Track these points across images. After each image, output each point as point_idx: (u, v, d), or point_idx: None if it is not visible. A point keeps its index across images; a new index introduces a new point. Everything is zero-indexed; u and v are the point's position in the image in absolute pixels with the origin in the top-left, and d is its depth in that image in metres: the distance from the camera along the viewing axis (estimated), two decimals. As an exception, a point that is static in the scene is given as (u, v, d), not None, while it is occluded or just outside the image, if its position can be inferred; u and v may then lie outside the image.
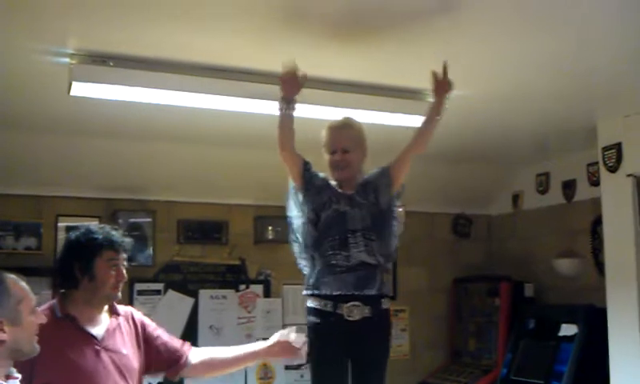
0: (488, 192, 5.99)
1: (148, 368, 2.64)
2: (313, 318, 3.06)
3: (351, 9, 2.72)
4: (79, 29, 2.88)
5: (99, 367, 2.42)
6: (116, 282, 2.52)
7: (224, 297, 5.21)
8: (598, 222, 4.73)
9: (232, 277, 5.25)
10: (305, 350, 2.87)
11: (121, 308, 2.63)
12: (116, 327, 2.55)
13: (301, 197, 3.10)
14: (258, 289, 5.32)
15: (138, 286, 4.93)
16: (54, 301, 2.50)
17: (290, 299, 5.37)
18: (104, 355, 2.45)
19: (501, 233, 6.06)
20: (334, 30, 2.90)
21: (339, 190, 3.09)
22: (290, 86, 2.96)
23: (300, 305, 5.34)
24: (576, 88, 3.71)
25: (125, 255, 2.56)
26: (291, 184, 3.13)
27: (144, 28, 2.86)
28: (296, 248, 3.17)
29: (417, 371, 5.68)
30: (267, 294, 5.34)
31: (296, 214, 3.15)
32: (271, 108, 3.21)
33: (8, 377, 2.10)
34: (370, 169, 3.17)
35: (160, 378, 2.90)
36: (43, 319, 2.21)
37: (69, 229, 4.30)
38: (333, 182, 3.12)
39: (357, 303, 2.98)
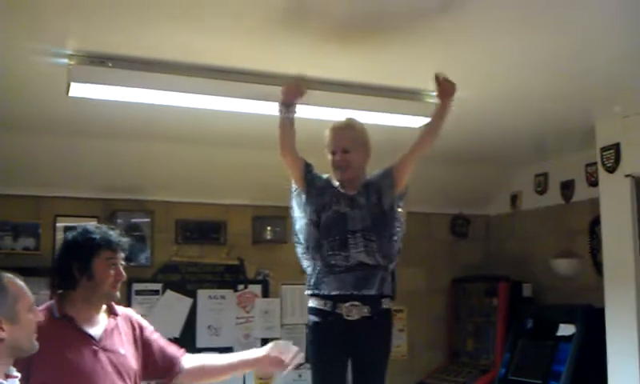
0: (486, 192, 6.00)
1: (144, 372, 2.64)
2: (313, 318, 3.08)
3: (351, 10, 2.73)
4: (78, 30, 2.88)
5: (97, 367, 2.41)
6: (115, 281, 2.51)
7: (222, 297, 5.21)
8: (596, 223, 4.74)
9: (230, 277, 5.26)
10: (294, 361, 2.85)
11: (119, 309, 2.63)
12: (114, 327, 2.55)
13: (302, 198, 3.12)
14: (257, 289, 5.32)
15: (136, 286, 4.92)
16: (52, 301, 2.49)
17: (289, 299, 5.38)
18: (102, 355, 2.44)
19: (499, 233, 6.07)
20: (334, 31, 2.91)
21: (341, 191, 3.11)
22: (291, 93, 3.00)
23: (298, 305, 5.37)
24: (574, 89, 3.72)
25: (122, 254, 2.56)
26: (293, 186, 3.15)
27: (143, 29, 2.86)
28: (299, 249, 3.19)
29: (415, 371, 5.69)
30: (265, 294, 5.34)
31: (298, 215, 3.17)
32: (270, 109, 3.22)
33: (7, 376, 2.10)
34: (373, 170, 3.18)
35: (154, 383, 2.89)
36: (41, 317, 2.22)
37: (67, 229, 4.30)
38: (336, 183, 3.13)
39: (356, 303, 2.99)
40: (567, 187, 5.30)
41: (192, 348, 4.96)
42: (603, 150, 4.30)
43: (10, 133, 4.26)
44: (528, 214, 5.72)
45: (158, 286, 5.03)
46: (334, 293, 3.02)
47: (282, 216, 5.30)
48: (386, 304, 3.08)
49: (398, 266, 3.22)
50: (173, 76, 3.24)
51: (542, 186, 5.55)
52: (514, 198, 5.86)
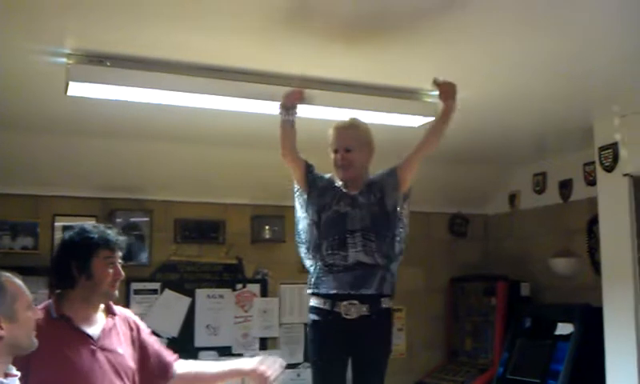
0: (485, 192, 6.00)
1: (139, 374, 2.64)
2: (313, 316, 3.10)
3: (354, 10, 2.73)
4: (76, 29, 2.88)
5: (95, 367, 2.41)
6: (113, 280, 2.52)
7: (221, 296, 5.21)
8: (594, 222, 4.74)
9: (229, 276, 5.26)
10: (277, 374, 2.83)
11: (117, 309, 2.63)
12: (112, 327, 2.55)
13: (304, 199, 3.14)
14: (255, 288, 5.32)
15: (135, 286, 4.92)
16: (49, 301, 2.49)
17: (287, 298, 5.38)
18: (100, 355, 2.44)
19: (497, 232, 6.07)
20: (336, 30, 2.91)
21: (343, 191, 3.12)
22: (291, 97, 3.05)
23: (297, 304, 5.37)
24: (573, 89, 3.73)
25: (120, 253, 2.57)
26: (295, 186, 3.17)
27: (141, 28, 2.86)
28: (301, 249, 3.20)
29: (413, 371, 5.69)
30: (264, 293, 5.34)
31: (300, 216, 3.18)
32: (269, 108, 3.23)
33: (7, 375, 2.11)
34: (376, 170, 3.19)
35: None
36: (40, 315, 2.23)
37: (65, 228, 4.30)
38: (338, 183, 3.14)
39: (354, 302, 3.00)
40: (565, 186, 5.30)
41: (191, 347, 4.98)
42: (601, 149, 4.31)
43: (9, 132, 4.25)
44: (526, 214, 5.72)
45: (156, 285, 5.03)
46: (332, 292, 3.03)
47: (280, 215, 5.31)
48: (385, 303, 3.09)
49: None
50: (171, 75, 3.24)
51: (540, 185, 5.56)
52: (513, 198, 5.86)
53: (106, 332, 2.51)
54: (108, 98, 3.38)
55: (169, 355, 2.74)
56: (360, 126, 3.19)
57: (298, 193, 3.19)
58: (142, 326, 2.72)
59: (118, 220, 4.87)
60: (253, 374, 2.75)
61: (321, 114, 3.56)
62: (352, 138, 3.13)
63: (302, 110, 3.15)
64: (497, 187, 5.95)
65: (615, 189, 4.21)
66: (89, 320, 2.49)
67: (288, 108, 3.06)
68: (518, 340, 5.11)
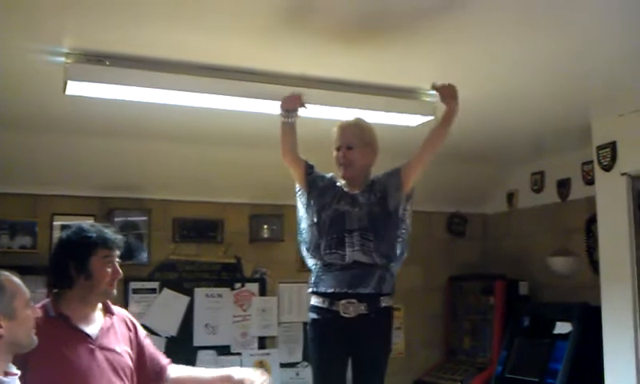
0: (483, 191, 6.00)
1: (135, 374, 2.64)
2: (313, 315, 3.12)
3: (354, 9, 2.73)
4: (74, 28, 2.88)
5: (93, 366, 2.42)
6: (112, 279, 2.52)
7: (219, 295, 5.21)
8: (592, 221, 4.75)
9: (227, 275, 5.26)
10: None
11: (115, 308, 2.64)
12: (110, 326, 2.55)
13: (305, 199, 3.15)
14: (254, 287, 5.32)
15: (134, 285, 4.92)
16: (47, 300, 2.49)
17: (286, 297, 5.38)
18: (98, 354, 2.45)
19: (496, 231, 6.08)
20: (336, 30, 2.91)
21: (345, 190, 3.13)
22: (289, 102, 3.09)
23: (295, 303, 5.37)
24: (572, 89, 3.73)
25: (118, 252, 2.57)
26: (297, 186, 3.18)
27: (139, 27, 2.86)
28: (303, 248, 3.21)
29: (412, 369, 5.70)
30: (263, 292, 5.34)
31: (302, 215, 3.19)
32: (267, 107, 3.23)
33: (7, 373, 2.11)
34: (375, 168, 3.20)
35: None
36: (39, 313, 2.24)
37: (64, 228, 4.29)
38: (341, 182, 3.15)
39: (352, 300, 3.01)
40: (563, 186, 5.31)
41: (189, 346, 4.98)
42: (599, 148, 4.30)
43: (7, 131, 4.25)
44: (524, 213, 5.73)
45: (155, 285, 5.03)
46: (330, 290, 3.04)
47: (279, 214, 5.32)
48: (385, 302, 3.09)
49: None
50: (170, 74, 3.24)
51: (538, 184, 5.56)
52: (511, 197, 5.87)
53: (104, 331, 2.51)
54: (106, 97, 3.37)
55: (163, 359, 2.74)
56: (364, 126, 3.20)
57: (299, 193, 3.21)
58: (139, 327, 2.73)
59: (117, 219, 4.87)
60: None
61: (321, 114, 3.56)
62: (355, 136, 3.14)
63: (302, 111, 3.17)
64: (495, 186, 5.95)
65: (613, 188, 4.21)
66: (87, 319, 2.49)
67: (288, 110, 3.08)
68: (516, 339, 5.11)
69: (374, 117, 3.56)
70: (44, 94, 3.58)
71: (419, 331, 5.81)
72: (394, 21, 2.84)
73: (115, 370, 2.47)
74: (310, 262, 3.19)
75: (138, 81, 3.22)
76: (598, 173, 4.33)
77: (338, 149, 3.14)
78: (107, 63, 3.11)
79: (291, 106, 3.11)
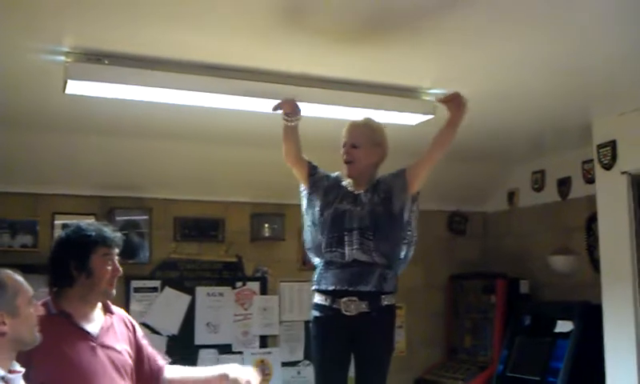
0: (484, 189, 6.00)
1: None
2: (315, 312, 3.13)
3: (354, 8, 2.73)
4: (74, 27, 2.88)
5: (95, 363, 2.43)
6: (112, 277, 2.53)
7: (221, 294, 5.21)
8: (593, 219, 4.75)
9: (228, 274, 5.26)
10: None
11: (114, 308, 2.65)
12: (110, 325, 2.56)
13: (308, 199, 3.17)
14: (255, 286, 5.33)
15: (135, 284, 4.93)
16: (47, 298, 2.50)
17: (287, 296, 5.38)
18: (100, 352, 2.46)
19: (496, 230, 6.08)
20: (335, 29, 2.91)
21: (349, 189, 3.14)
22: (285, 107, 3.11)
23: (297, 302, 5.38)
24: (572, 86, 3.73)
25: (117, 250, 2.58)
26: (302, 186, 3.20)
27: (139, 26, 2.86)
28: (307, 246, 3.22)
29: (413, 368, 5.70)
30: (264, 291, 5.35)
31: (309, 214, 3.21)
32: (267, 106, 3.23)
33: (11, 371, 2.12)
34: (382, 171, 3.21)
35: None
36: (41, 310, 2.26)
37: (64, 227, 4.29)
38: (347, 181, 3.15)
39: (353, 298, 3.01)
40: (564, 184, 5.30)
41: (191, 345, 4.99)
42: (600, 147, 4.31)
43: (8, 130, 4.25)
44: (525, 211, 5.73)
45: (156, 284, 5.03)
46: (330, 288, 3.05)
47: (280, 213, 5.32)
48: (387, 300, 3.09)
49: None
50: (170, 73, 3.23)
51: (538, 183, 5.56)
52: (511, 195, 5.87)
53: (104, 329, 2.52)
54: (107, 96, 3.38)
55: (161, 360, 2.75)
56: (372, 126, 3.20)
57: (303, 193, 3.23)
58: (137, 327, 2.74)
59: (118, 218, 4.87)
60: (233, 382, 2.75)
61: (321, 113, 3.57)
62: (361, 135, 3.14)
63: (304, 110, 3.18)
64: (496, 185, 5.95)
65: (614, 186, 4.21)
66: (87, 317, 2.50)
67: (288, 114, 3.11)
68: (517, 337, 5.11)
69: (374, 116, 3.56)
70: (44, 92, 3.59)
71: (420, 330, 5.81)
72: (394, 20, 2.84)
73: (116, 368, 2.49)
74: (315, 260, 3.22)
75: (138, 80, 3.22)
76: (599, 171, 4.33)
77: (344, 146, 3.15)
78: (106, 62, 3.11)
79: (288, 109, 3.12)
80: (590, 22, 2.90)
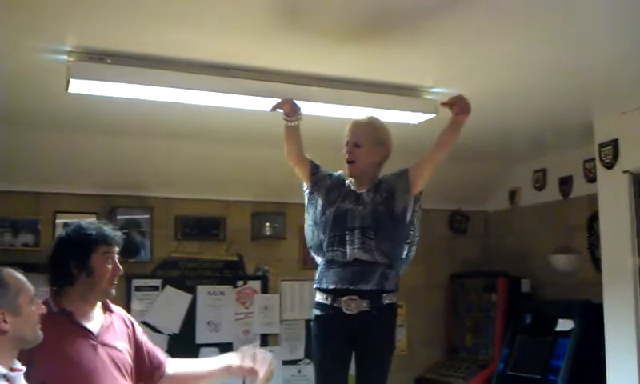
0: (485, 188, 6.01)
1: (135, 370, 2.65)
2: (316, 311, 3.13)
3: (354, 7, 2.73)
4: (77, 26, 2.88)
5: (97, 362, 2.43)
6: (112, 276, 2.53)
7: (222, 293, 5.22)
8: (594, 218, 4.75)
9: (230, 273, 5.26)
10: (267, 371, 2.84)
11: (113, 306, 2.65)
12: (110, 324, 2.57)
13: (310, 198, 3.17)
14: (256, 285, 5.33)
15: (136, 282, 4.93)
16: (48, 296, 2.50)
17: (288, 295, 5.39)
18: (101, 350, 2.46)
19: (498, 229, 6.08)
20: (336, 28, 2.92)
21: (351, 188, 3.13)
22: (284, 107, 3.12)
23: (297, 300, 5.39)
24: (573, 85, 3.73)
25: (117, 248, 2.58)
26: (304, 185, 3.20)
27: (142, 25, 2.86)
28: (309, 244, 3.22)
29: (414, 367, 5.70)
30: (265, 289, 5.35)
31: (309, 213, 3.21)
32: (269, 105, 3.23)
33: (12, 369, 2.13)
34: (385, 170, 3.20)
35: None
36: (43, 309, 2.25)
37: (66, 226, 4.30)
38: (349, 180, 3.15)
39: (354, 297, 3.01)
40: (565, 183, 5.31)
41: (192, 344, 4.99)
42: (601, 146, 4.31)
43: (10, 129, 4.26)
44: (526, 210, 5.73)
45: (157, 282, 5.04)
46: (331, 286, 3.05)
47: (281, 212, 5.33)
48: (388, 299, 3.08)
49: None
50: (172, 72, 3.24)
51: (540, 182, 5.56)
52: (513, 194, 5.87)
53: (104, 328, 2.52)
54: (109, 95, 3.38)
55: (161, 355, 2.76)
56: (375, 125, 3.18)
57: (306, 192, 3.23)
58: (137, 324, 2.74)
59: (119, 217, 4.88)
60: (242, 370, 2.77)
61: (322, 112, 3.58)
62: (364, 133, 3.12)
63: (305, 109, 3.18)
64: (497, 184, 5.95)
65: (615, 185, 4.22)
66: (88, 316, 2.50)
67: (288, 114, 3.11)
68: (518, 336, 5.11)
69: (375, 115, 3.56)
70: (47, 91, 3.59)
71: (421, 329, 5.82)
72: (394, 20, 2.84)
73: (117, 367, 2.49)
74: (317, 259, 3.23)
75: (140, 79, 3.22)
76: (600, 170, 4.34)
77: (346, 145, 3.14)
78: (109, 61, 3.12)
79: (287, 109, 3.13)
80: (590, 21, 2.90)
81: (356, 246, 3.02)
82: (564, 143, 4.99)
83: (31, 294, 2.20)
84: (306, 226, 3.24)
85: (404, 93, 3.67)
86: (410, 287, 5.56)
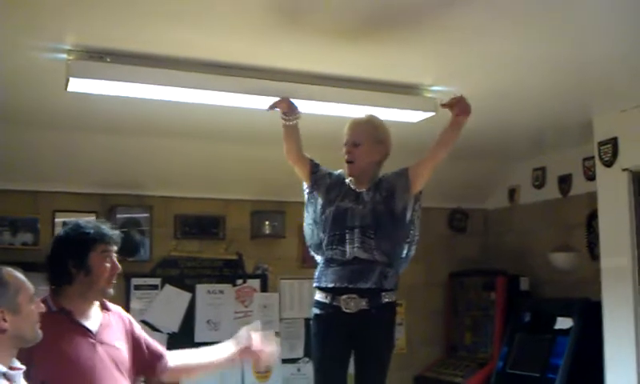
0: (484, 186, 6.01)
1: (133, 367, 2.65)
2: (315, 310, 3.13)
3: (354, 6, 2.73)
4: (76, 25, 2.88)
5: (96, 360, 2.43)
6: (110, 275, 2.53)
7: (221, 291, 5.22)
8: (593, 216, 4.75)
9: (229, 271, 5.27)
10: (272, 354, 2.86)
11: (110, 305, 2.65)
12: (108, 322, 2.57)
13: (310, 196, 3.17)
14: (255, 283, 5.33)
15: (135, 281, 4.93)
16: (46, 295, 2.50)
17: (287, 293, 5.39)
18: (100, 348, 2.46)
19: (497, 227, 6.08)
20: (335, 26, 2.92)
21: (351, 187, 3.13)
22: (282, 107, 3.12)
23: (297, 299, 5.39)
24: (572, 83, 3.73)
25: (115, 247, 2.58)
26: (304, 184, 3.20)
27: (141, 24, 2.86)
28: (309, 243, 3.22)
29: (413, 365, 5.71)
30: (264, 288, 5.35)
31: (309, 212, 3.21)
32: (268, 104, 3.23)
33: (12, 368, 2.13)
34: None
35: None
36: (43, 308, 2.25)
37: (64, 225, 4.30)
38: (349, 179, 3.15)
39: (353, 295, 3.01)
40: (565, 181, 5.31)
41: (191, 342, 4.99)
42: (601, 144, 4.31)
43: (10, 128, 4.26)
44: (526, 208, 5.73)
45: (156, 281, 5.04)
46: (330, 285, 3.06)
47: (280, 211, 5.32)
48: (387, 298, 3.08)
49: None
50: (171, 71, 3.24)
51: (539, 180, 5.57)
52: (512, 193, 5.87)
53: (103, 326, 2.53)
54: (108, 93, 3.38)
55: (160, 347, 2.76)
56: (375, 123, 3.18)
57: (306, 191, 3.23)
58: (134, 321, 2.75)
59: (119, 216, 4.88)
60: (243, 353, 2.78)
61: (322, 110, 3.58)
62: (363, 132, 3.12)
63: (303, 108, 3.19)
64: (496, 182, 5.95)
65: (614, 183, 4.22)
66: (86, 314, 2.51)
67: (286, 113, 3.11)
68: (517, 334, 5.12)
69: (375, 113, 3.56)
70: (46, 90, 3.59)
71: (420, 327, 5.82)
72: (393, 18, 2.84)
73: (116, 365, 2.49)
74: (317, 257, 3.23)
75: (139, 78, 3.22)
76: (599, 168, 4.34)
77: (345, 145, 3.14)
78: (108, 60, 3.12)
79: (284, 108, 3.13)
80: (588, 19, 2.90)
81: (356, 245, 3.03)
82: (563, 141, 4.99)
83: (31, 292, 2.21)
84: (305, 224, 3.24)
85: (403, 91, 3.67)
86: (409, 285, 5.56)
